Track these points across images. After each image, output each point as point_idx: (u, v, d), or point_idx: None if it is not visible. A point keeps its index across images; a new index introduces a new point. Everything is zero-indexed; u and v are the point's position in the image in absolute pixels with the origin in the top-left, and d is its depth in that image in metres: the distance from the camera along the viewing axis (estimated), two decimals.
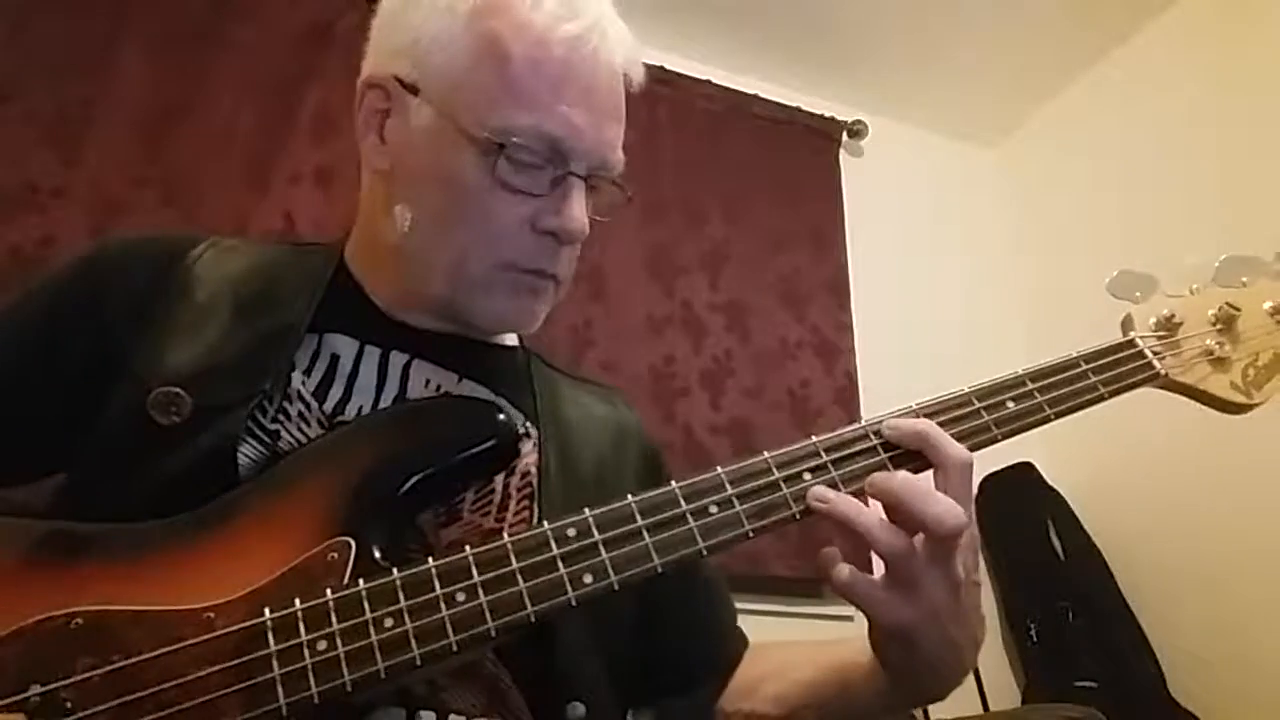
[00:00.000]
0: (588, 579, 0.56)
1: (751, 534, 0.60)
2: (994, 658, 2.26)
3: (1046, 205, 2.77)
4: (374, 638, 0.53)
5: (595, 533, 0.58)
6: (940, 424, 0.63)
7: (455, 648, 0.53)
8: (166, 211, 1.80)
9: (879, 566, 0.59)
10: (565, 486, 0.74)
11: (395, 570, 0.56)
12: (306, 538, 0.57)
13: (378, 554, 0.58)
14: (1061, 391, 0.69)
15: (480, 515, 0.70)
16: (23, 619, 0.51)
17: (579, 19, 0.70)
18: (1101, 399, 0.70)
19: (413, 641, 0.53)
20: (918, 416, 0.64)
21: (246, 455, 0.65)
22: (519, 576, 0.56)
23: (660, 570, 0.58)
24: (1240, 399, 0.74)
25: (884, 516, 0.59)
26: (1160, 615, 2.13)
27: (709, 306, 2.33)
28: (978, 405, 0.66)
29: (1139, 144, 2.46)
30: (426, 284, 0.74)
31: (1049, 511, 2.33)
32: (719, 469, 0.62)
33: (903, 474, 0.60)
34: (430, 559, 0.56)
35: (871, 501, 0.60)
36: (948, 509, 0.57)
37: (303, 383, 0.70)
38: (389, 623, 0.53)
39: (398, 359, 0.75)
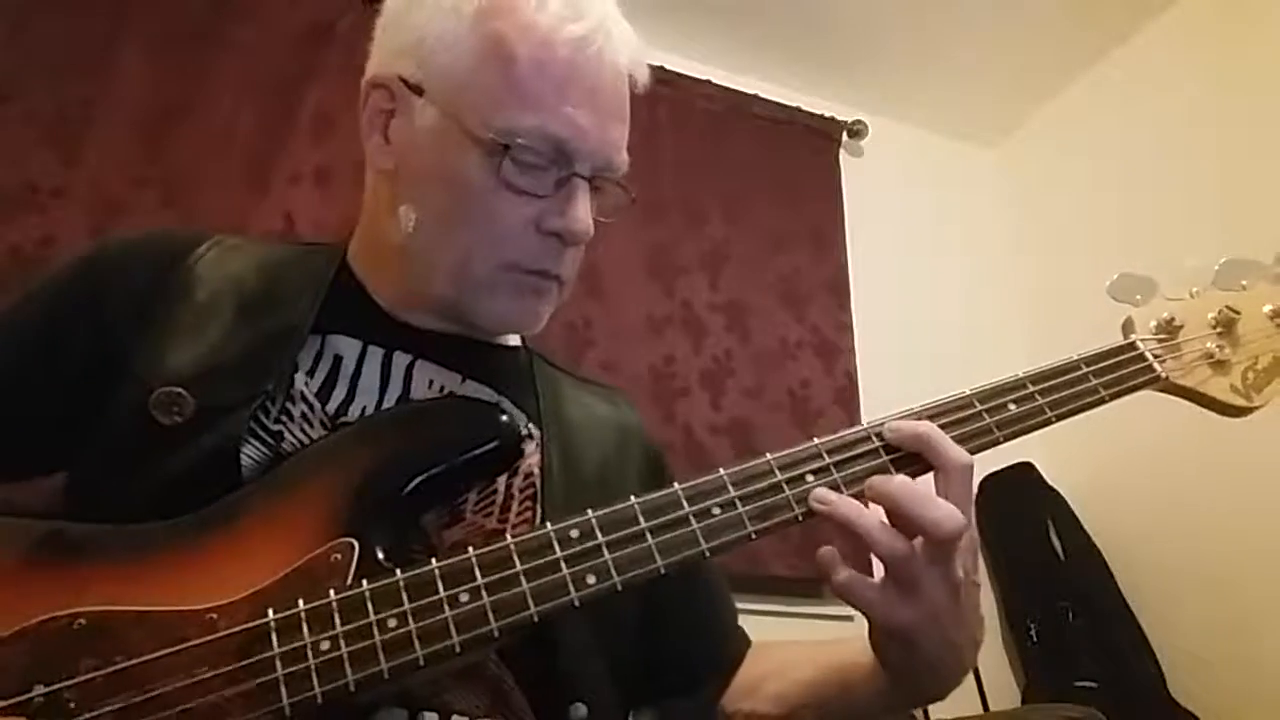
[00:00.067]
0: (591, 580, 0.56)
1: (754, 535, 0.60)
2: (994, 658, 2.26)
3: (1046, 205, 2.77)
4: (377, 638, 0.53)
5: (598, 534, 0.58)
6: (942, 426, 0.63)
7: (459, 648, 0.53)
8: (166, 211, 1.79)
9: (879, 568, 0.59)
10: (568, 487, 0.74)
11: (399, 571, 0.56)
12: (310, 539, 0.58)
13: (381, 555, 0.58)
14: (1063, 394, 0.69)
15: (483, 516, 0.70)
16: (25, 619, 0.51)
17: (584, 20, 0.70)
18: (1102, 401, 0.70)
19: (416, 642, 0.53)
20: (919, 418, 0.64)
21: (249, 456, 0.65)
22: (522, 578, 0.56)
23: (663, 571, 0.58)
24: (1240, 402, 0.75)
25: (884, 519, 0.59)
26: (1160, 615, 2.13)
27: (709, 306, 2.32)
28: (980, 408, 0.66)
29: (1139, 144, 2.46)
30: (430, 284, 0.74)
31: (1049, 511, 2.32)
32: (721, 470, 0.62)
33: (901, 478, 0.61)
34: (433, 560, 0.56)
35: (872, 503, 0.61)
36: (947, 513, 0.57)
37: (306, 383, 0.70)
38: (392, 623, 0.53)
39: (401, 359, 0.75)
